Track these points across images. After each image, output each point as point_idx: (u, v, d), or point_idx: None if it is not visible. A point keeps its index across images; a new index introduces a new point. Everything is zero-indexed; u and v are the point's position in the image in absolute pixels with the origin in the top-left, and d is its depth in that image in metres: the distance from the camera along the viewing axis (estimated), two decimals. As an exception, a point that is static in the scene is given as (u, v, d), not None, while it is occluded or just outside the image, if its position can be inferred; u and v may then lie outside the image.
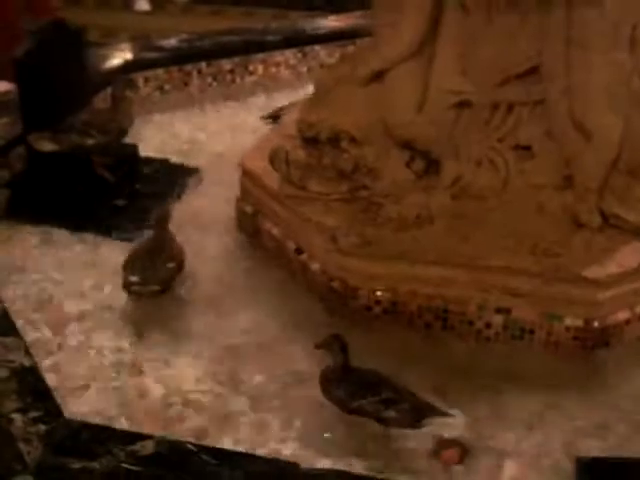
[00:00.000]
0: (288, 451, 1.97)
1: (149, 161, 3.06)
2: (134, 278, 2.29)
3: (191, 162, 3.14)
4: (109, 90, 2.89)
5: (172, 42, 3.55)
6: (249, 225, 2.61)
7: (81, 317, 2.39)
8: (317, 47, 3.61)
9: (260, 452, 1.86)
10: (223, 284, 2.56)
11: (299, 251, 2.43)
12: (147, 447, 1.71)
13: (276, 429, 2.07)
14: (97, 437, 1.76)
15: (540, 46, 2.36)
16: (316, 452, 1.94)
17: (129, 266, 2.31)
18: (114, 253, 2.65)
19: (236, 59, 3.50)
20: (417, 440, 1.98)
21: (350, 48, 3.56)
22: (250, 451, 1.84)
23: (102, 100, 2.98)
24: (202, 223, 2.81)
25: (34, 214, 2.78)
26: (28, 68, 2.69)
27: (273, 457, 1.80)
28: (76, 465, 1.67)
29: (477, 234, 2.25)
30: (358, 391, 1.97)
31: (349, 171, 2.38)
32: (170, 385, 2.20)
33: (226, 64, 3.50)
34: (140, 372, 2.25)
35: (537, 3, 2.33)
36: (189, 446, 1.73)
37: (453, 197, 2.34)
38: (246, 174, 2.62)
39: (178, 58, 3.45)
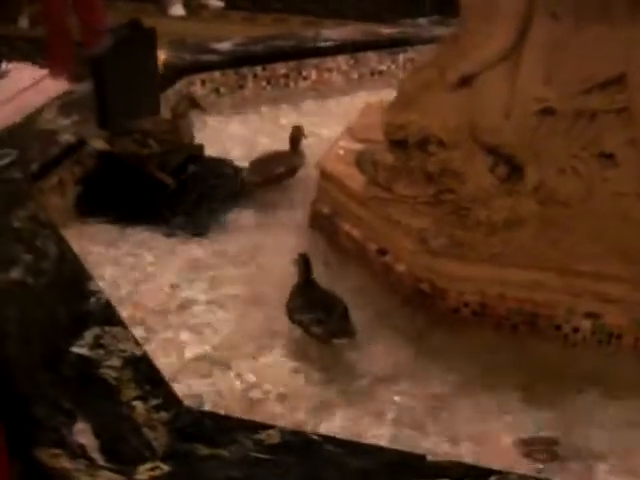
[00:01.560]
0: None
1: (213, 161, 3.06)
2: None
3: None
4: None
5: (227, 45, 3.56)
6: (326, 226, 2.62)
7: (172, 311, 2.39)
8: (369, 53, 3.62)
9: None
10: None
11: (382, 252, 2.44)
12: (273, 436, 1.72)
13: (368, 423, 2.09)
14: (220, 425, 1.77)
15: (627, 55, 2.38)
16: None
17: None
18: (187, 247, 2.67)
19: (290, 64, 3.50)
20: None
21: (404, 55, 3.61)
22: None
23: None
24: (273, 223, 2.81)
25: (105, 210, 2.78)
26: (105, 66, 2.69)
27: (397, 448, 1.81)
28: (204, 452, 1.68)
29: (565, 239, 2.28)
30: (305, 306, 2.27)
31: (436, 174, 2.40)
32: (262, 377, 2.22)
33: (280, 68, 3.51)
34: (230, 366, 2.26)
35: (626, 12, 2.35)
36: (313, 436, 1.74)
37: (539, 203, 2.35)
38: (324, 176, 2.65)
39: (234, 61, 3.45)
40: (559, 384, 2.20)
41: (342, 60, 3.61)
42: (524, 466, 1.94)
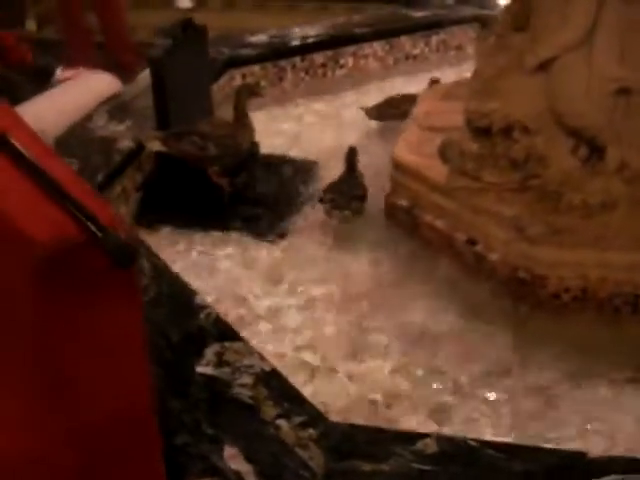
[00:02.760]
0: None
1: (268, 158, 3.03)
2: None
3: (302, 157, 3.11)
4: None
5: (263, 38, 3.52)
6: (405, 219, 2.60)
7: (263, 317, 2.36)
8: (403, 38, 3.59)
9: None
10: (385, 279, 2.55)
11: (472, 242, 2.42)
12: (430, 446, 1.70)
13: (486, 421, 2.08)
14: (372, 438, 1.74)
15: (699, 31, 2.37)
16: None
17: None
18: (263, 252, 2.63)
19: (328, 53, 3.46)
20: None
21: (436, 37, 3.58)
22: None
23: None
24: (343, 220, 2.78)
25: (169, 216, 2.74)
26: (164, 67, 2.64)
27: (557, 448, 1.79)
28: (365, 468, 1.65)
29: (662, 219, 2.26)
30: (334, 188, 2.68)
31: (521, 160, 2.38)
32: (366, 379, 2.18)
33: (318, 58, 3.47)
34: (333, 370, 2.23)
35: (697, -13, 2.33)
36: (470, 442, 1.72)
37: (626, 183, 2.34)
38: (399, 168, 2.62)
39: (271, 54, 3.41)
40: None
41: (378, 46, 3.56)
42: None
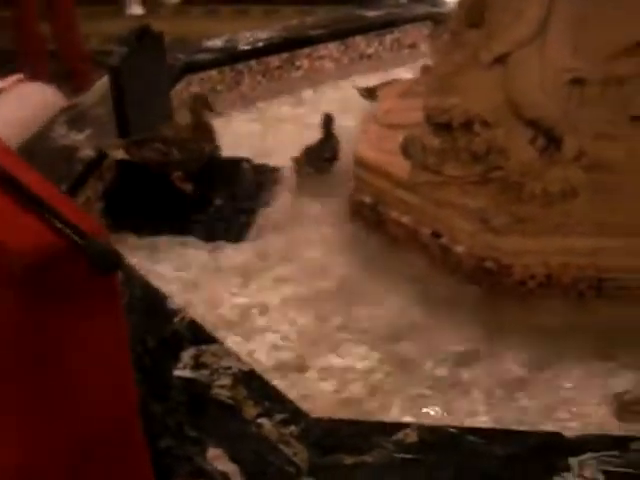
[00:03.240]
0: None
1: (229, 162, 3.05)
2: None
3: (263, 160, 3.13)
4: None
5: (218, 43, 3.54)
6: (370, 216, 2.64)
7: (233, 321, 2.39)
8: (357, 38, 3.63)
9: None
10: (353, 276, 2.58)
11: (437, 235, 2.46)
12: (410, 435, 1.73)
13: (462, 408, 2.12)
14: (353, 431, 1.77)
15: (649, 20, 2.43)
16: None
17: None
18: (228, 254, 2.65)
19: (284, 55, 3.49)
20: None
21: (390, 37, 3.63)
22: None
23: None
24: (306, 218, 2.81)
25: (132, 223, 2.75)
26: (122, 75, 2.66)
27: (533, 430, 1.84)
28: (349, 461, 1.68)
29: (621, 203, 2.32)
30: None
31: (482, 153, 2.42)
32: (340, 373, 2.22)
33: (274, 60, 3.50)
34: (306, 367, 2.26)
35: (644, -22, 2.39)
36: (450, 429, 1.76)
37: (584, 171, 2.40)
38: (362, 165, 2.66)
39: (228, 58, 3.44)
40: (636, 343, 2.24)
41: (333, 47, 3.60)
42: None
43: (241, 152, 3.16)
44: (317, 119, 3.15)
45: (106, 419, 1.44)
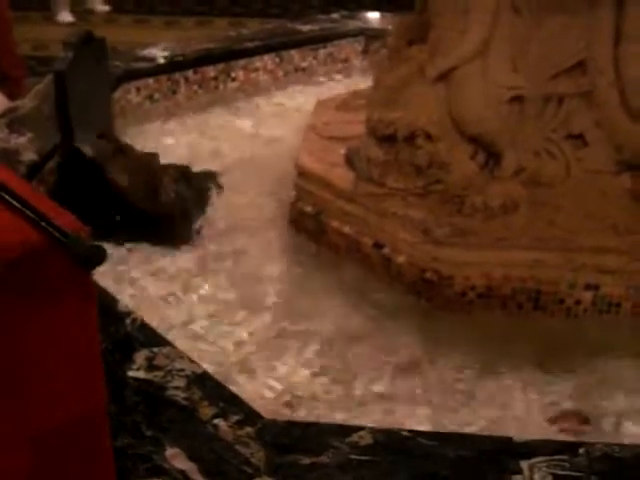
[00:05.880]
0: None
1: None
2: None
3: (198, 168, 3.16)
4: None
5: (155, 52, 3.56)
6: (311, 225, 2.68)
7: (181, 324, 2.40)
8: (292, 51, 3.68)
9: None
10: (294, 285, 2.62)
11: (379, 246, 2.52)
12: (365, 437, 1.77)
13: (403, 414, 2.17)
14: (309, 433, 1.81)
15: (587, 41, 2.53)
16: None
17: None
18: (169, 261, 2.67)
19: (219, 66, 3.53)
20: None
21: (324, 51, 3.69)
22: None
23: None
24: (247, 226, 2.84)
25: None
26: (66, 80, 2.66)
27: (484, 434, 1.89)
28: (306, 461, 1.71)
29: (560, 218, 2.42)
30: None
31: (424, 166, 2.49)
32: (285, 380, 2.25)
33: (210, 71, 3.53)
34: (251, 370, 2.29)
35: (586, 3, 2.50)
36: (403, 432, 1.80)
37: (523, 186, 2.48)
38: (304, 175, 2.70)
39: (165, 67, 3.46)
40: (570, 355, 2.32)
41: (268, 59, 3.65)
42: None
43: (177, 160, 3.17)
44: (252, 129, 3.19)
45: (72, 417, 1.45)
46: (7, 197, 1.34)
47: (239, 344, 2.37)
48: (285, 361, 2.32)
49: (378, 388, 2.25)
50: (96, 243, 1.33)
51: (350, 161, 2.55)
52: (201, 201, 2.92)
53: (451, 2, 2.50)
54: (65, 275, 1.36)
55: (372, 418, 2.13)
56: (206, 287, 2.60)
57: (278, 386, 2.24)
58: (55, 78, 2.65)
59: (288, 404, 2.19)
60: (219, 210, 2.90)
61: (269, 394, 2.23)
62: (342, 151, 2.71)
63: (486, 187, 2.43)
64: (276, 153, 3.25)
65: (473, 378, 2.27)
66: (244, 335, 2.41)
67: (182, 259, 2.70)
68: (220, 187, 3.01)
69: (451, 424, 2.11)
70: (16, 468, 1.44)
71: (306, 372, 2.29)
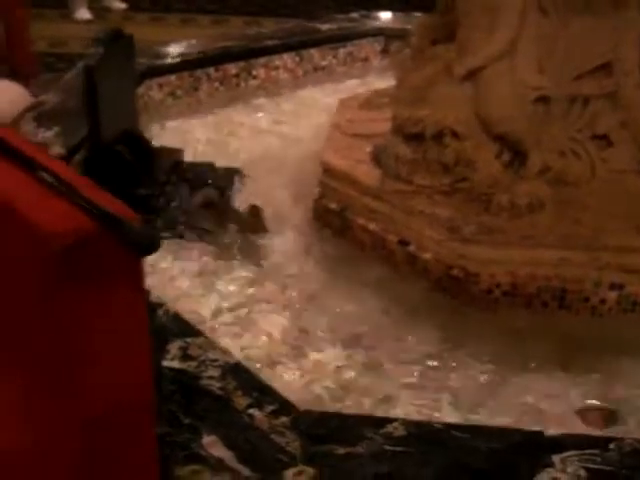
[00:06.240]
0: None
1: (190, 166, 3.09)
2: None
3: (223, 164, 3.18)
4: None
5: (178, 49, 3.58)
6: (336, 222, 2.70)
7: (209, 316, 2.42)
8: (312, 50, 3.71)
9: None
10: (319, 280, 2.64)
11: (404, 243, 2.54)
12: (398, 429, 1.80)
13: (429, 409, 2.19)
14: (343, 424, 1.83)
15: (612, 43, 2.56)
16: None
17: None
18: (194, 255, 2.69)
19: (240, 64, 3.55)
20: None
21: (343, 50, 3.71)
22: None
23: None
24: (271, 224, 2.86)
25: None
26: (96, 76, 2.69)
27: (514, 427, 1.91)
28: (341, 451, 1.74)
29: (585, 217, 2.44)
30: None
31: (451, 165, 2.51)
32: (314, 373, 2.27)
33: (231, 69, 3.56)
34: (279, 363, 2.31)
35: (609, 3, 2.52)
36: (436, 425, 1.83)
37: (549, 185, 2.51)
38: (329, 172, 2.72)
39: (187, 64, 3.48)
40: (595, 352, 2.34)
41: (288, 58, 3.67)
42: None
43: (199, 156, 3.19)
44: (272, 127, 3.21)
45: (121, 403, 1.47)
46: (62, 186, 1.36)
47: (267, 337, 2.38)
48: (312, 355, 2.34)
49: (406, 381, 2.26)
50: (150, 230, 1.34)
51: (376, 158, 2.58)
52: (225, 198, 2.94)
53: (479, 2, 2.52)
54: (117, 262, 1.38)
55: (401, 410, 2.14)
56: (230, 282, 2.60)
57: (307, 378, 2.24)
58: (85, 73, 2.66)
59: (318, 396, 2.20)
60: (241, 207, 2.91)
61: (298, 386, 2.23)
62: (367, 148, 2.73)
63: (512, 186, 2.45)
64: (296, 151, 3.27)
65: (499, 374, 2.29)
66: (271, 329, 2.42)
67: (205, 254, 2.71)
68: (242, 184, 3.02)
69: (479, 418, 2.12)
70: (68, 451, 1.46)
71: (333, 366, 2.30)
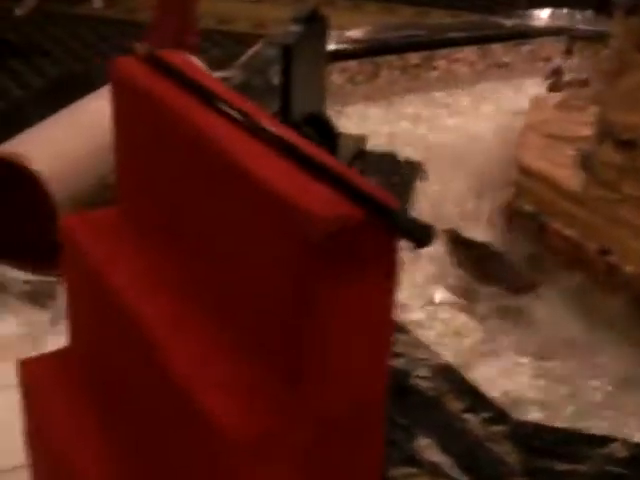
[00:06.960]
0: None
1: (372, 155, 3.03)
2: None
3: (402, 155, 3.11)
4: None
5: (359, 34, 3.53)
6: (530, 225, 2.61)
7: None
8: (494, 46, 3.61)
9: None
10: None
11: (604, 252, 2.43)
12: (619, 450, 1.70)
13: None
14: (558, 438, 1.75)
15: None
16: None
17: None
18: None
19: (423, 54, 3.48)
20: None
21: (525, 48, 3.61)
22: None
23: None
24: (455, 222, 2.79)
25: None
26: (293, 55, 2.64)
27: None
28: (561, 467, 1.66)
29: None
30: None
31: (663, 175, 2.40)
32: (504, 383, 2.18)
33: (413, 58, 3.49)
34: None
35: None
36: (662, 449, 1.73)
37: None
38: (525, 173, 2.63)
39: (369, 50, 3.42)
40: None
41: (469, 51, 3.58)
42: None
43: (377, 145, 3.13)
44: (451, 121, 3.13)
45: (356, 400, 1.41)
46: (328, 171, 1.31)
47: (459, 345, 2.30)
48: (502, 365, 2.25)
49: (598, 397, 2.16)
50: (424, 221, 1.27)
51: (580, 162, 2.47)
52: (407, 190, 2.87)
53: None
54: (377, 251, 1.32)
55: (601, 425, 2.05)
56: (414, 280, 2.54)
57: (499, 389, 2.17)
58: (283, 52, 2.62)
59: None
60: (423, 201, 2.84)
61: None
62: (567, 151, 2.62)
63: None
64: (476, 147, 3.19)
65: None
66: (460, 339, 2.34)
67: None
68: (424, 178, 2.95)
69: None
70: (300, 445, 1.41)
71: (524, 377, 2.22)
